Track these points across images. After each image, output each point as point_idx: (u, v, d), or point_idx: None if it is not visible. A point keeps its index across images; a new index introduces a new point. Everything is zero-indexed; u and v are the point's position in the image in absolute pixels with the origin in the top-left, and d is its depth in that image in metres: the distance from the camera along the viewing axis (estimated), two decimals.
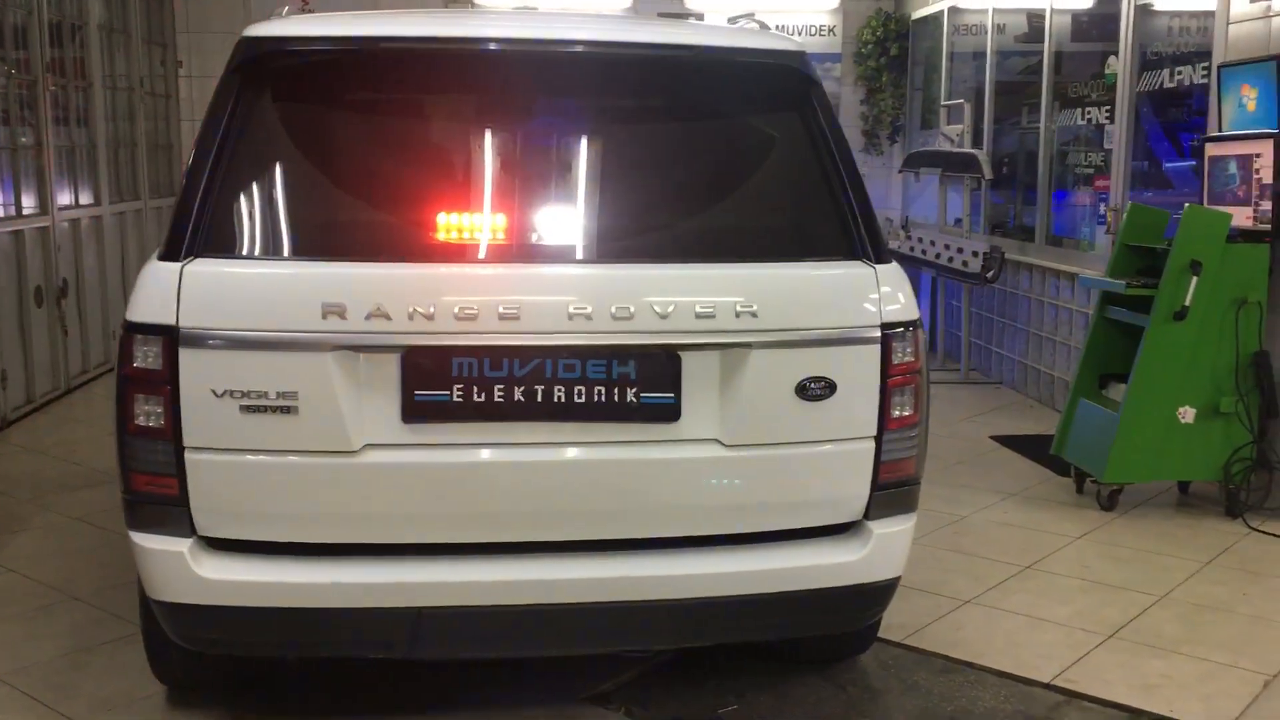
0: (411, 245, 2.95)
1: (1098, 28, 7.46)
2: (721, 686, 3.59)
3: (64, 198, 7.55)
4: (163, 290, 2.77)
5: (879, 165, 10.37)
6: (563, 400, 2.86)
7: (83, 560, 4.61)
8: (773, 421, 2.95)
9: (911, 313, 3.04)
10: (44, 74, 7.22)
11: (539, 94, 3.13)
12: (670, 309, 2.85)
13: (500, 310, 2.79)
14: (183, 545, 2.83)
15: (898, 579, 3.16)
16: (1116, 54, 6.80)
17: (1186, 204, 5.26)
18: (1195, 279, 5.02)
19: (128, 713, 3.41)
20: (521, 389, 2.84)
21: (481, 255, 2.96)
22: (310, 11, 3.84)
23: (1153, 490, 5.58)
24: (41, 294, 7.09)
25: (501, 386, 2.84)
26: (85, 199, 7.97)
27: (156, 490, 2.83)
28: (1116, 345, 5.50)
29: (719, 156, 3.27)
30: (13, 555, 4.65)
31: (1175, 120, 6.77)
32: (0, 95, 6.83)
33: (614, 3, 9.96)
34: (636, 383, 2.89)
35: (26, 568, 4.53)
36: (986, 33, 8.51)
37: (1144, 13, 6.65)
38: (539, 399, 2.86)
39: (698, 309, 2.86)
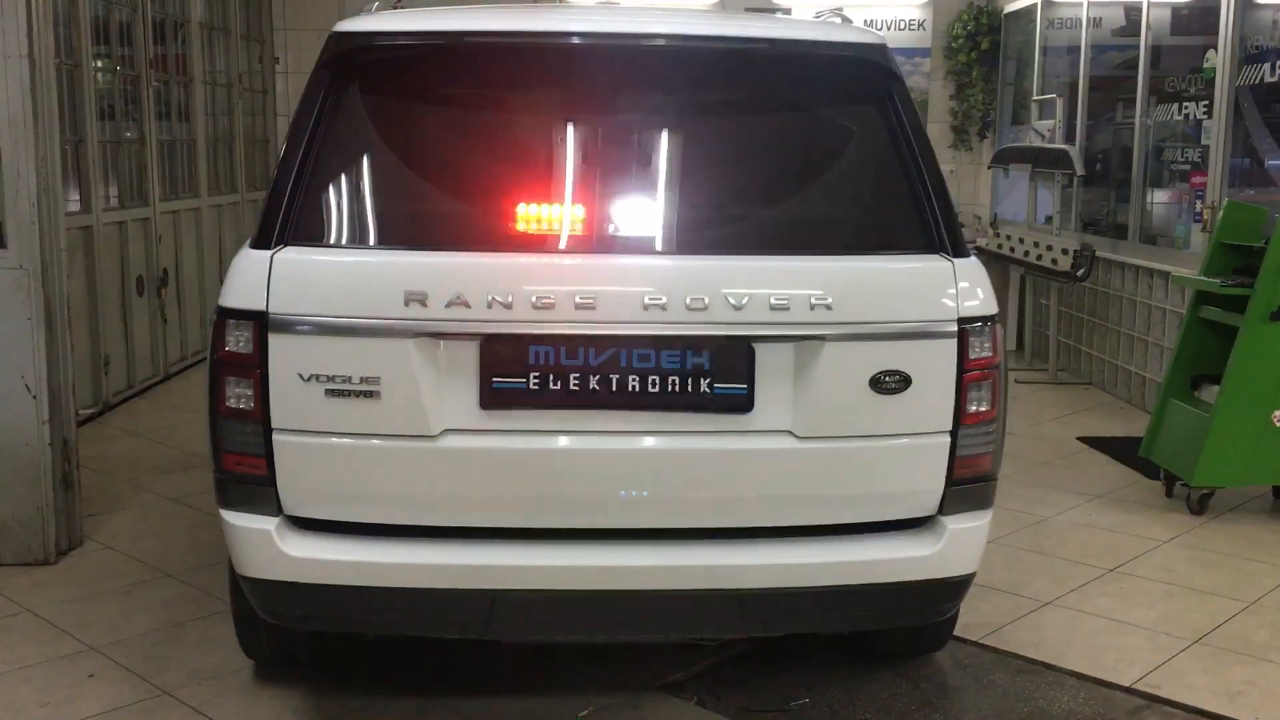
0: (491, 235, 3.01)
1: (1197, 21, 7.27)
2: (794, 679, 3.60)
3: (165, 190, 7.80)
4: (254, 277, 2.87)
5: (968, 161, 10.23)
6: (637, 389, 2.89)
7: (177, 540, 4.78)
8: (846, 414, 2.95)
9: (990, 308, 3.01)
10: (147, 70, 7.47)
11: (619, 87, 3.16)
12: (745, 300, 2.86)
13: (577, 300, 2.83)
14: (270, 524, 2.93)
15: (972, 575, 3.13)
16: (1215, 48, 6.61)
17: None
18: None
19: (217, 686, 3.53)
20: (597, 378, 2.88)
21: (559, 246, 3.00)
22: (401, 7, 3.93)
23: (1245, 495, 5.43)
24: (143, 283, 7.35)
25: (577, 375, 2.88)
26: (185, 192, 8.23)
27: (246, 470, 2.93)
28: (1209, 346, 5.37)
29: (797, 149, 3.27)
30: (111, 533, 4.84)
31: (1279, 116, 6.57)
32: (106, 91, 7.09)
33: None
34: (710, 373, 2.91)
35: (124, 545, 4.70)
36: (1081, 26, 8.34)
37: (1246, 5, 6.46)
38: (614, 388, 2.89)
39: (772, 301, 2.87)
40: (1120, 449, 6.21)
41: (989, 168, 9.74)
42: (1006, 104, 10.05)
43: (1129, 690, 3.59)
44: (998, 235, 8.70)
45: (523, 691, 3.54)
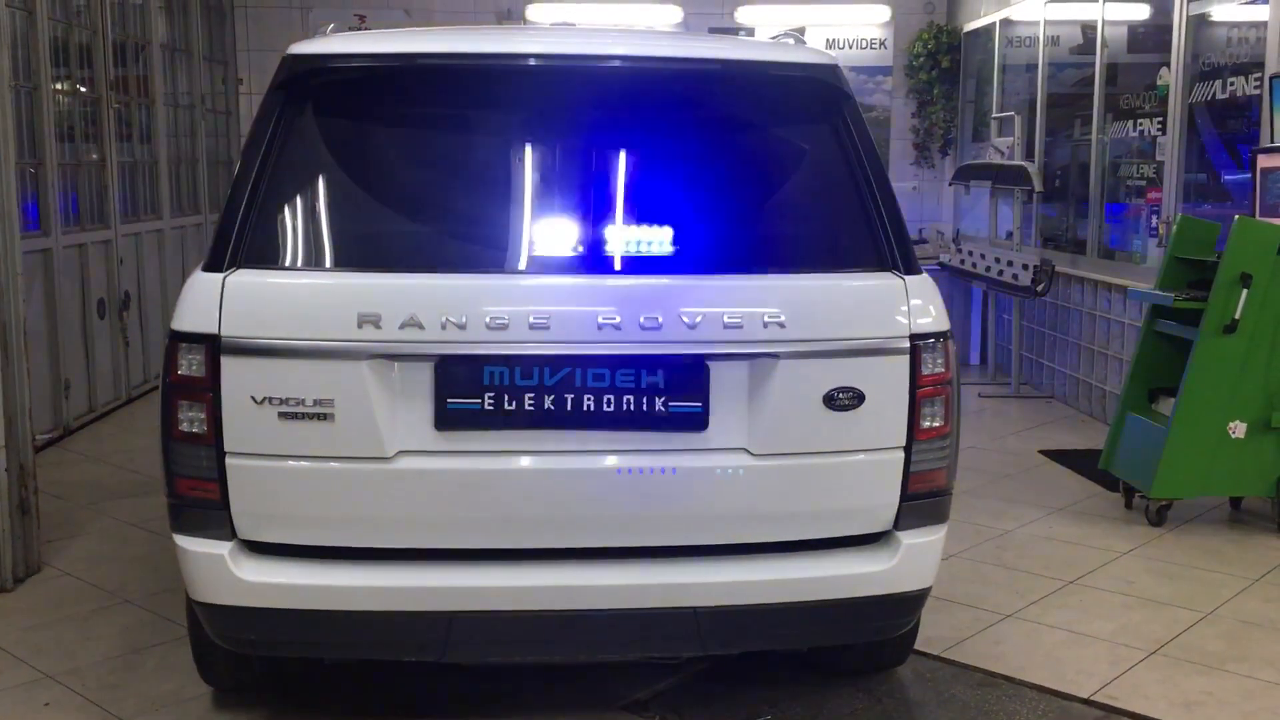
0: (445, 256, 3.02)
1: (1151, 39, 7.39)
2: (756, 696, 3.60)
3: (126, 212, 7.75)
4: (206, 300, 2.86)
5: (930, 178, 10.33)
6: (592, 409, 2.90)
7: (136, 565, 4.73)
8: (801, 431, 2.97)
9: (942, 324, 3.04)
10: (108, 92, 7.44)
11: (572, 108, 3.18)
12: (698, 319, 2.88)
13: (531, 320, 2.84)
14: (223, 548, 2.91)
15: (928, 590, 3.15)
16: (1169, 65, 6.72)
17: (1237, 216, 5.19)
18: (1246, 292, 4.95)
19: (175, 713, 3.50)
20: (552, 398, 2.89)
21: (513, 266, 3.02)
22: (365, 29, 3.94)
23: (1203, 506, 5.50)
24: (104, 306, 7.29)
25: (532, 395, 2.89)
26: (147, 214, 8.19)
27: (198, 494, 2.91)
28: (1166, 358, 5.44)
29: (750, 168, 3.30)
30: (70, 559, 4.79)
31: (1234, 132, 6.67)
32: (66, 113, 7.04)
33: (664, 19, 10.03)
34: (665, 392, 2.92)
35: (82, 571, 4.66)
36: (1039, 44, 8.45)
37: (1198, 23, 6.57)
38: (569, 408, 2.90)
39: (726, 319, 2.89)
40: (1081, 462, 6.27)
41: (950, 184, 9.84)
42: (967, 121, 10.17)
43: (1088, 702, 3.61)
44: (960, 251, 8.79)
45: (484, 713, 3.53)
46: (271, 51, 9.72)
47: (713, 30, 9.75)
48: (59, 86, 6.88)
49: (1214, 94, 6.45)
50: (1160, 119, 6.85)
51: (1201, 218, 5.69)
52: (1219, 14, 6.57)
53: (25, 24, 6.33)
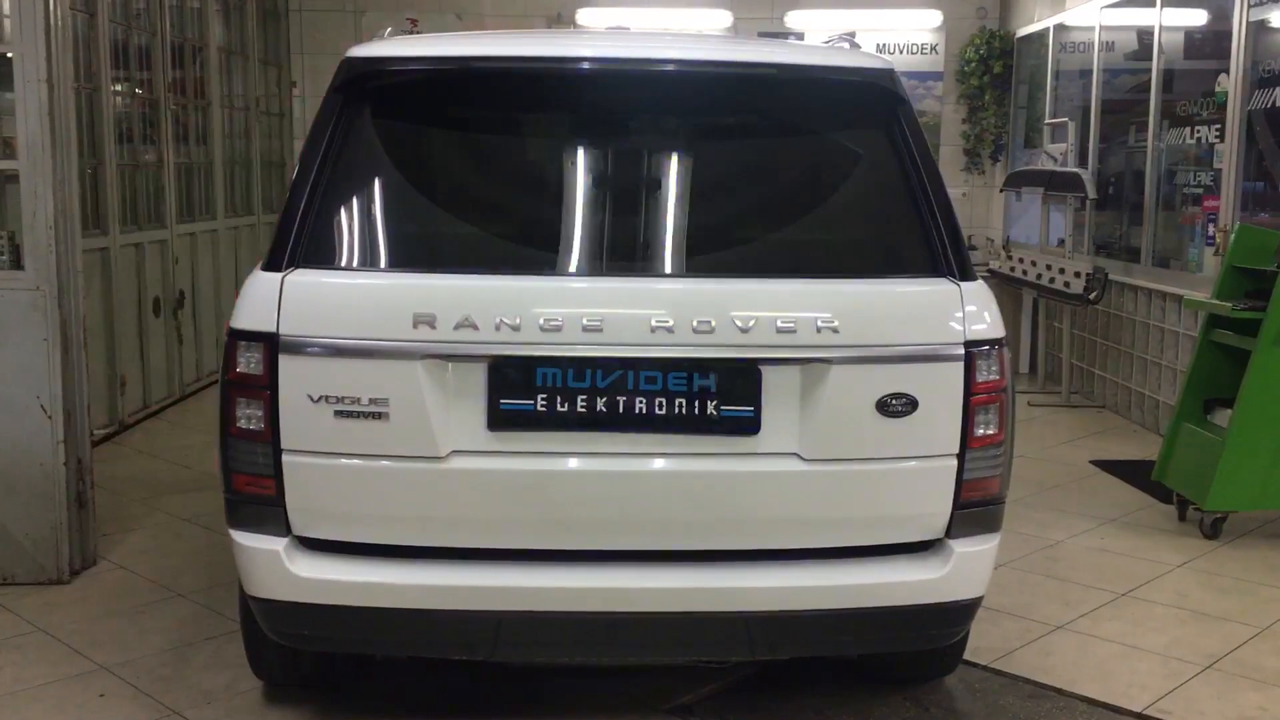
0: (499, 258, 3.04)
1: (1210, 45, 7.27)
2: (802, 703, 3.59)
3: (182, 213, 7.87)
4: (265, 299, 2.90)
5: (980, 184, 10.25)
6: (644, 412, 2.91)
7: (190, 559, 4.80)
8: (853, 437, 2.95)
9: (997, 331, 3.02)
10: (166, 94, 7.56)
11: (627, 112, 3.19)
12: (751, 323, 2.88)
13: (584, 322, 2.85)
14: (278, 544, 2.95)
15: (979, 599, 3.13)
16: (1227, 72, 6.62)
17: None
18: None
19: (226, 706, 3.54)
20: (604, 400, 2.90)
21: (566, 268, 3.03)
22: (417, 33, 3.98)
23: (1259, 519, 5.41)
24: (159, 304, 7.40)
25: (584, 397, 2.90)
26: (202, 214, 8.30)
27: (255, 491, 2.95)
28: (1222, 369, 5.35)
29: (805, 173, 3.30)
30: (125, 553, 4.87)
31: None
32: (125, 114, 7.17)
33: (714, 23, 10.03)
34: (717, 395, 2.92)
35: (137, 565, 4.73)
36: (1093, 50, 8.36)
37: (1257, 30, 6.47)
38: (621, 410, 2.90)
39: (779, 324, 2.88)
40: (1133, 473, 6.19)
41: (1001, 191, 9.75)
42: (1019, 127, 10.07)
43: (1140, 716, 3.57)
44: (1010, 258, 8.71)
45: (528, 713, 3.54)
46: (325, 55, 9.84)
47: (762, 34, 9.74)
48: (118, 88, 7.00)
49: (1274, 101, 6.35)
50: (1218, 126, 6.75)
51: (1260, 226, 5.60)
52: None
53: (86, 26, 6.45)
